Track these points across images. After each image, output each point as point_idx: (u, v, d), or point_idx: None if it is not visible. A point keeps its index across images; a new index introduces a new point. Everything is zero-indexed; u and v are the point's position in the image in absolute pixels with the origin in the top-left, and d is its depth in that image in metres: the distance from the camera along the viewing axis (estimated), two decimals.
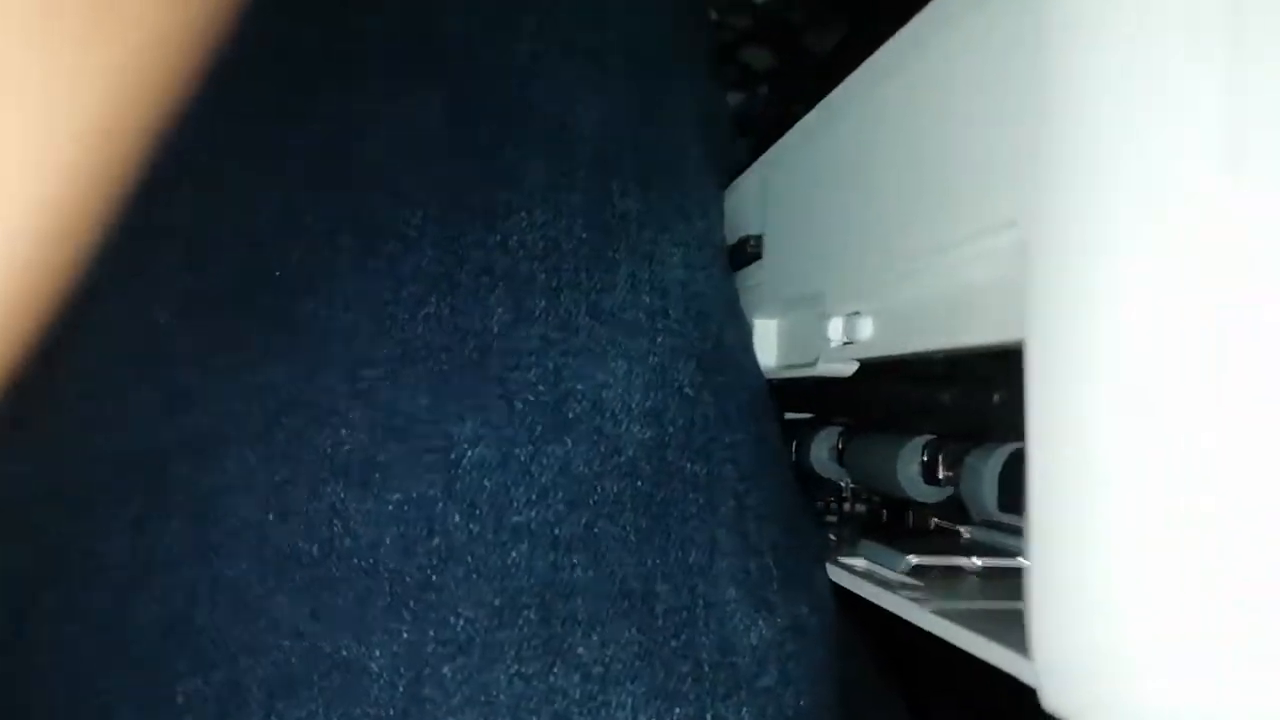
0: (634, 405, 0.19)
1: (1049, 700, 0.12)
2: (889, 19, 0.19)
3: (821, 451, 0.21)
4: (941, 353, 0.15)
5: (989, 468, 0.16)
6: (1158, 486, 0.10)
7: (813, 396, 0.23)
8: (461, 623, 0.17)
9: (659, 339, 0.19)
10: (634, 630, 0.18)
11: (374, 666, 0.16)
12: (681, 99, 0.22)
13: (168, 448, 0.17)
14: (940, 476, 0.18)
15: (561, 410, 0.18)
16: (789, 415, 0.24)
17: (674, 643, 0.18)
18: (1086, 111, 0.11)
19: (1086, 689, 0.11)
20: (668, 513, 0.19)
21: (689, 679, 0.18)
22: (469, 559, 0.17)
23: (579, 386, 0.18)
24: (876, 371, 0.18)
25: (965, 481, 0.17)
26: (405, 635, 0.16)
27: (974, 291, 0.14)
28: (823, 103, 0.18)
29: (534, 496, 0.17)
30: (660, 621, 0.18)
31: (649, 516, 0.18)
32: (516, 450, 0.17)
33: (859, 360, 0.18)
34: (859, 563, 0.19)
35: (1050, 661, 0.12)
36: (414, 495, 0.17)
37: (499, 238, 0.18)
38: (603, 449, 0.18)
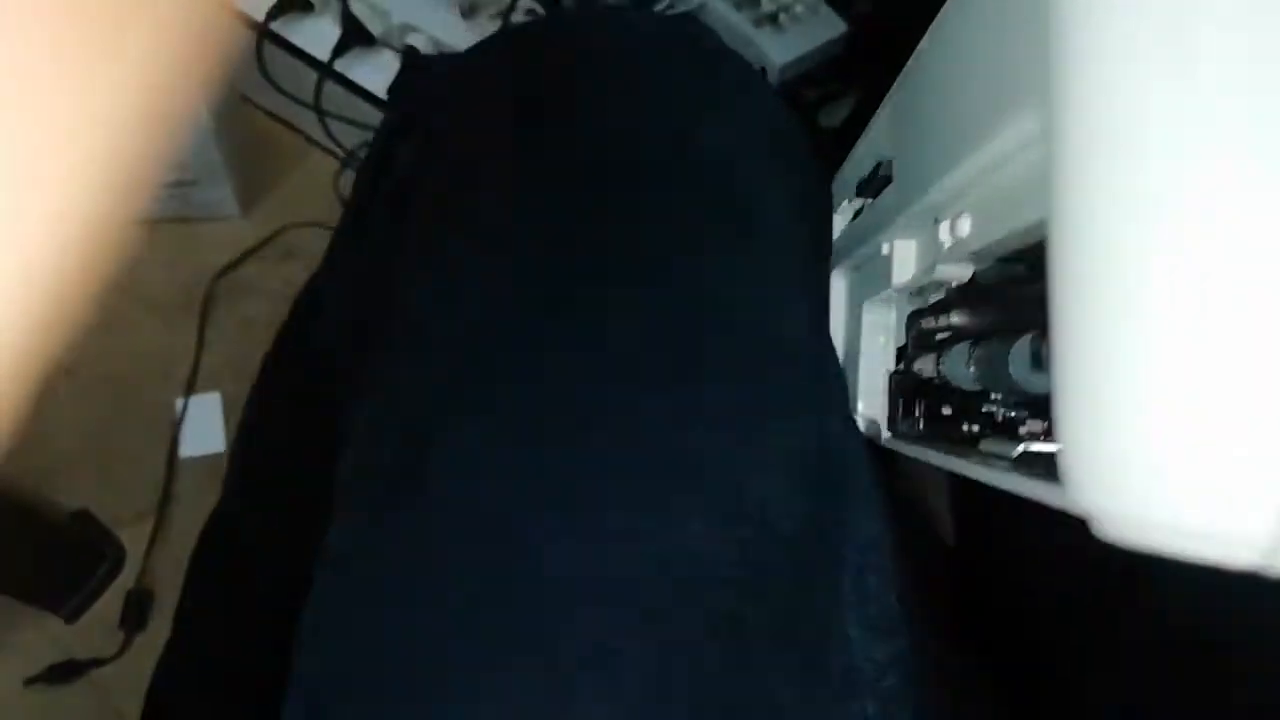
0: (785, 506, 0.26)
1: (1075, 499, 0.13)
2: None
3: (958, 367, 0.22)
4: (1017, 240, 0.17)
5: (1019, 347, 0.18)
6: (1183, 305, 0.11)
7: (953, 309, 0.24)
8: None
9: (796, 466, 0.27)
10: (789, 653, 0.25)
11: None
12: None
13: (499, 512, 0.25)
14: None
15: (741, 510, 0.26)
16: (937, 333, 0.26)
17: (817, 659, 0.25)
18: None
19: (1109, 484, 0.13)
20: (809, 571, 0.26)
21: (824, 685, 0.25)
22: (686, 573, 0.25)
23: (752, 494, 0.26)
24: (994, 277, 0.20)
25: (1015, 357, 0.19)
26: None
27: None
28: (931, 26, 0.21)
29: (716, 553, 0.25)
30: (803, 646, 0.25)
31: (795, 569, 0.26)
32: (716, 529, 0.25)
33: (970, 263, 0.20)
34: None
35: (1078, 468, 0.13)
36: (655, 545, 0.25)
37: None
38: (763, 533, 0.26)
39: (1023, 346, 0.18)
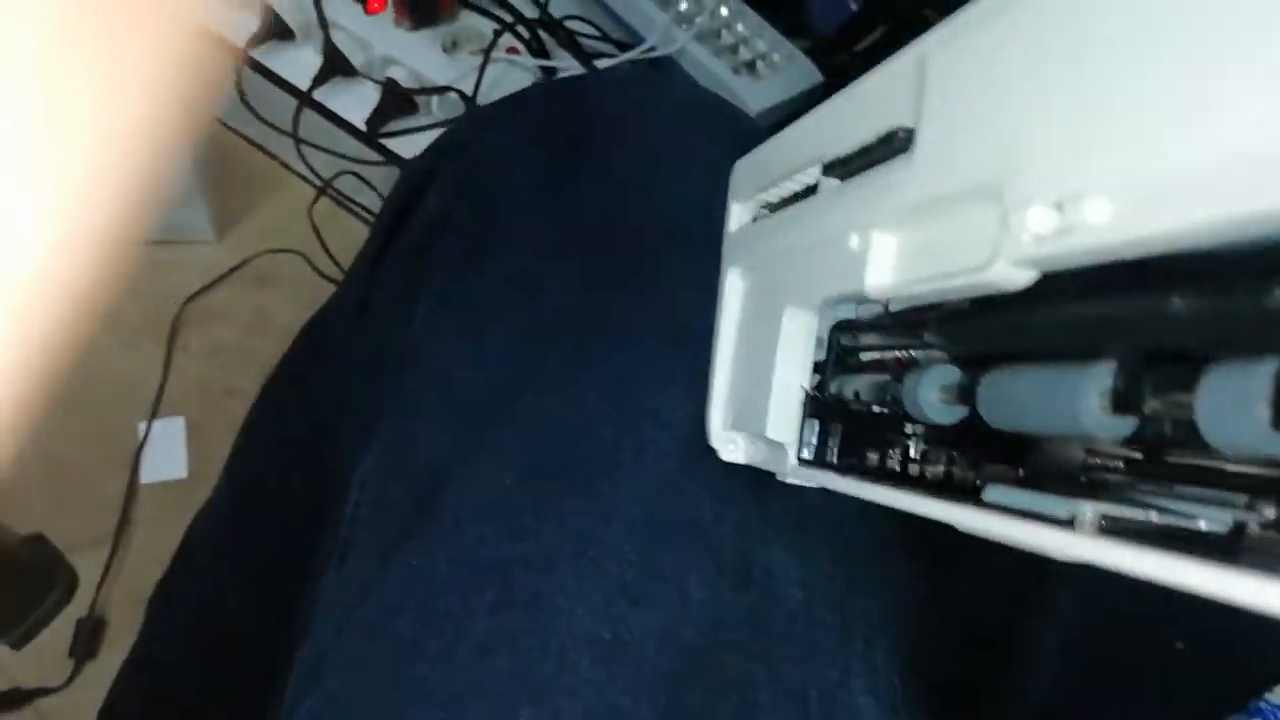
0: (792, 574, 0.27)
1: None
2: None
3: (931, 392, 0.19)
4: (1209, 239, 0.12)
5: (1252, 385, 0.13)
6: None
7: (908, 329, 0.21)
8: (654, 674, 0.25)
9: (806, 535, 0.28)
10: (795, 715, 0.26)
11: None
12: None
13: (512, 560, 0.26)
14: (1144, 404, 0.15)
15: (750, 574, 0.27)
16: (867, 354, 0.22)
17: None
18: None
19: None
20: (815, 645, 0.26)
21: None
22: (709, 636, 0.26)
23: (759, 560, 0.27)
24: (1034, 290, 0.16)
25: (1208, 402, 0.14)
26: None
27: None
28: None
29: (723, 617, 0.26)
30: (812, 714, 0.26)
31: (802, 646, 0.26)
32: (724, 594, 0.26)
33: (1039, 266, 0.15)
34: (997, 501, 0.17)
35: None
36: (662, 609, 0.26)
37: None
38: (771, 600, 0.26)
39: (1096, 377, 0.15)
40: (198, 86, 0.13)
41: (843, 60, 0.79)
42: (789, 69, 0.75)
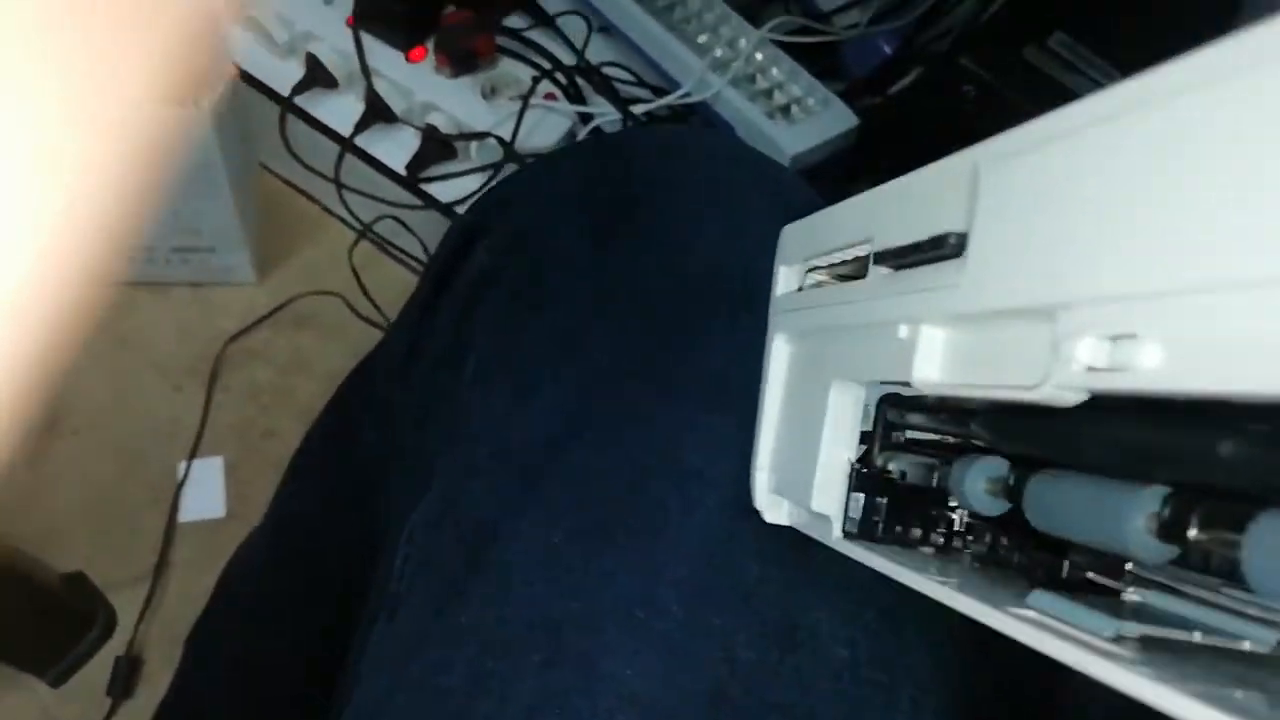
0: (838, 633, 0.27)
1: None
2: None
3: (977, 483, 0.19)
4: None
5: None
6: None
7: (957, 418, 0.21)
8: None
9: (851, 593, 0.28)
10: None
11: None
12: None
13: (561, 619, 0.26)
14: (1190, 535, 0.15)
15: (795, 634, 0.26)
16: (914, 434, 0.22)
17: None
18: None
19: None
20: (862, 704, 0.26)
21: None
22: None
23: (805, 620, 0.27)
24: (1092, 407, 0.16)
25: (1258, 550, 0.14)
26: None
27: None
28: (1110, 91, 0.15)
29: (769, 681, 0.26)
30: None
31: (849, 705, 0.26)
32: (770, 654, 0.26)
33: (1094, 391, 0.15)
34: (1033, 614, 0.17)
35: None
36: (709, 669, 0.26)
37: None
38: (817, 659, 0.26)
39: (1146, 501, 0.15)
40: (190, 88, 0.13)
41: (878, 103, 0.79)
42: (824, 112, 0.76)
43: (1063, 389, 0.15)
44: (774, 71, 0.77)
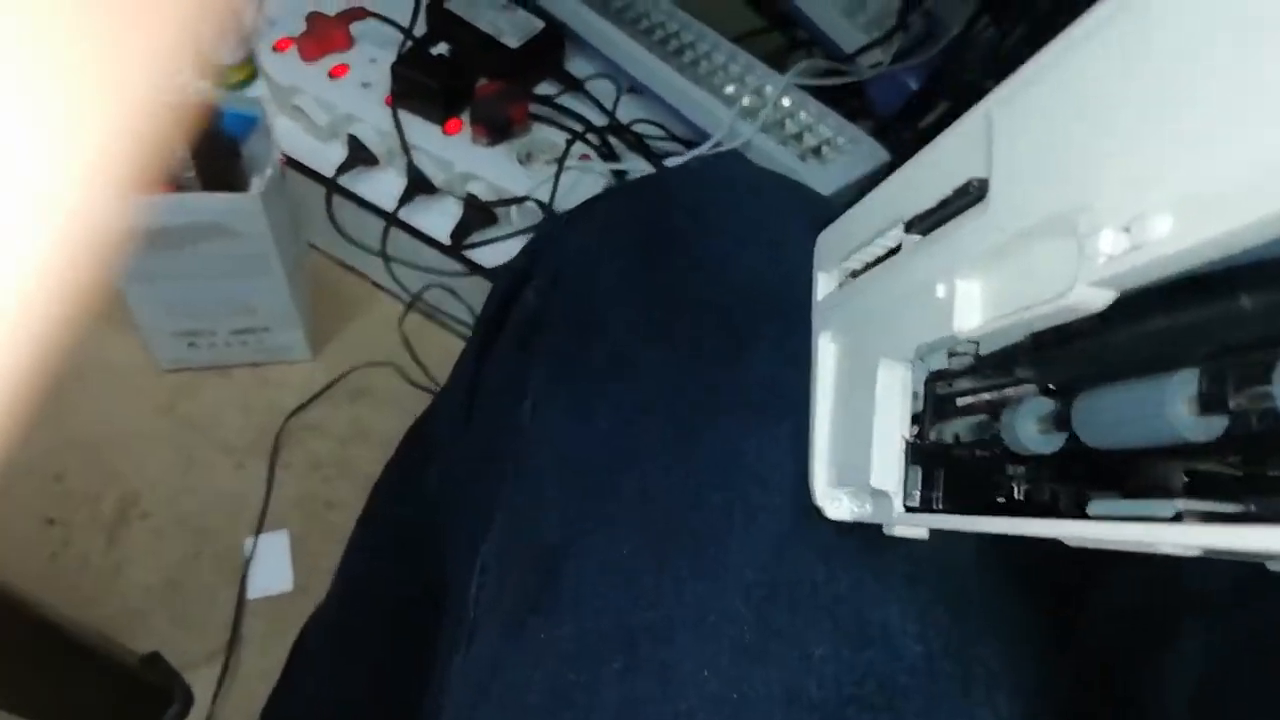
0: (910, 629, 0.27)
1: None
2: None
3: (1029, 424, 0.20)
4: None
5: None
6: None
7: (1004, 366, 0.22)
8: None
9: (920, 587, 0.28)
10: None
11: None
12: None
13: (636, 628, 0.27)
14: (1230, 403, 0.15)
15: (867, 631, 0.27)
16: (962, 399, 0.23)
17: None
18: None
19: None
20: (938, 696, 0.27)
21: None
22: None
23: (875, 617, 0.27)
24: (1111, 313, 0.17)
25: None
26: None
27: None
28: (1084, 16, 0.17)
29: (843, 676, 0.26)
30: None
31: (925, 698, 0.27)
32: (843, 651, 0.26)
33: (1113, 288, 0.16)
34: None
35: None
36: (784, 668, 0.26)
37: None
38: (890, 654, 0.27)
39: (1179, 387, 0.16)
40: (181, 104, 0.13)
41: (907, 138, 0.80)
42: (855, 151, 0.76)
43: (1093, 287, 0.16)
44: (802, 115, 0.78)
